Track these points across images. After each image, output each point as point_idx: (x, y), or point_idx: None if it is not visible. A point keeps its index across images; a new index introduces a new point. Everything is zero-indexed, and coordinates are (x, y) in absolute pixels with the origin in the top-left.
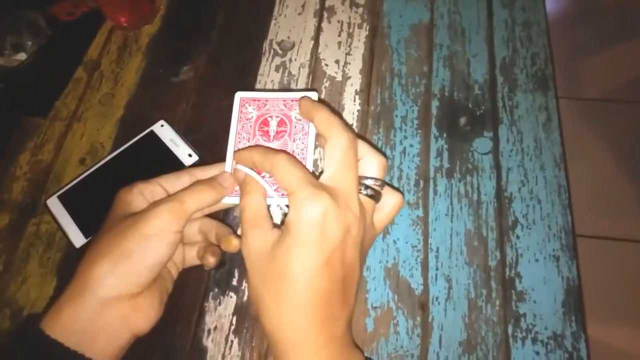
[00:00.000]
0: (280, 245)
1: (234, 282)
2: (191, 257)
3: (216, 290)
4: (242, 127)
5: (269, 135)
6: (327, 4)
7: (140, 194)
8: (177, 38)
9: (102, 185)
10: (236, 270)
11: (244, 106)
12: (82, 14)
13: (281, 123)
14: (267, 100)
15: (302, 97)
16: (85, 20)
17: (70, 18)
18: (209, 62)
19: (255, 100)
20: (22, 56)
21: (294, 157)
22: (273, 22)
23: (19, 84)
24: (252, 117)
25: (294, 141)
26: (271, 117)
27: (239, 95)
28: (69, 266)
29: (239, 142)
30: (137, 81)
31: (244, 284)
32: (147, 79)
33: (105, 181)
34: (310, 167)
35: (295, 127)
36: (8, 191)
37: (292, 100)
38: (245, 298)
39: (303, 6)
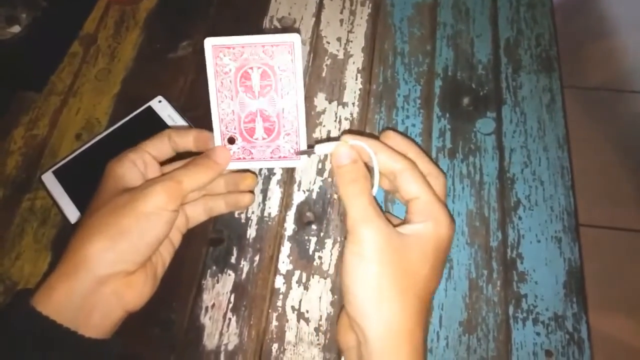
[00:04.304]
0: (410, 247)
1: (232, 260)
2: (196, 215)
3: (214, 268)
4: (222, 83)
5: (254, 92)
6: None
7: (133, 166)
8: (175, 13)
9: (98, 161)
10: (234, 248)
11: (218, 57)
12: None
13: (264, 75)
14: (243, 47)
15: (384, 135)
16: None
17: None
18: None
19: (229, 48)
20: (16, 29)
21: None
22: None
23: (13, 58)
24: (230, 71)
25: (282, 97)
26: (252, 68)
27: (209, 43)
28: (64, 242)
29: (222, 101)
30: (134, 57)
31: (242, 262)
32: (145, 55)
33: (102, 157)
34: (304, 126)
35: (281, 80)
36: (2, 166)
37: (272, 46)
38: (243, 276)
39: None
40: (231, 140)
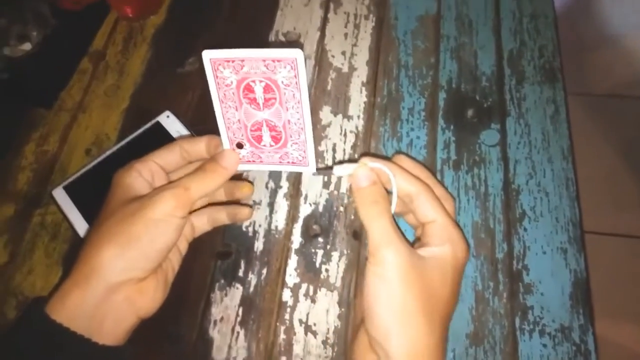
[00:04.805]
0: (430, 269)
1: (240, 274)
2: (201, 225)
3: (222, 281)
4: (225, 95)
5: (258, 103)
6: None
7: (140, 176)
8: (182, 29)
9: (108, 176)
10: (242, 262)
11: (218, 69)
12: (87, 4)
13: (267, 89)
14: (243, 60)
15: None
16: (90, 11)
17: (76, 8)
18: None
19: (229, 61)
20: (27, 46)
21: None
22: (279, 12)
23: (24, 75)
24: (232, 83)
25: (287, 110)
26: (254, 81)
27: (207, 56)
28: (75, 257)
29: (227, 111)
30: (143, 72)
31: (250, 275)
32: (153, 70)
33: (111, 172)
34: (311, 136)
35: (285, 94)
36: (14, 181)
37: (274, 61)
38: (251, 289)
39: None
40: (239, 145)
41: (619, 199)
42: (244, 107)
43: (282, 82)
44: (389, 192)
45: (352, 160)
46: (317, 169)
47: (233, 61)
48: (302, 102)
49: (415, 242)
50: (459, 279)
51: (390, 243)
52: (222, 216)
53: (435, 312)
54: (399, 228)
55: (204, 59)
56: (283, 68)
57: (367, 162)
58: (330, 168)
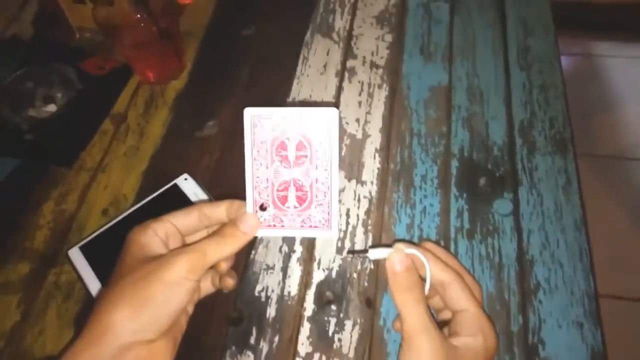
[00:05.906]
0: (462, 358)
1: (252, 341)
2: (206, 287)
3: (233, 348)
4: (258, 152)
5: (289, 162)
6: (348, 65)
7: (156, 235)
8: (202, 94)
9: (124, 238)
10: (254, 328)
11: (257, 126)
12: (111, 69)
13: (300, 146)
14: (282, 118)
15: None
16: (114, 75)
17: (100, 72)
18: (233, 118)
19: (268, 119)
20: (52, 108)
21: None
22: (296, 81)
23: (48, 135)
24: (267, 140)
25: (316, 168)
26: (288, 139)
27: (249, 113)
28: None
29: (257, 169)
30: (163, 135)
31: (261, 343)
32: (172, 133)
33: (127, 234)
34: (337, 197)
35: (317, 151)
36: (31, 239)
37: (310, 119)
38: (262, 358)
39: (325, 66)
40: (262, 207)
41: (631, 260)
42: (274, 165)
43: (316, 139)
44: (421, 278)
45: (386, 245)
46: (351, 251)
47: (272, 118)
48: (331, 161)
49: (441, 326)
50: None
51: (426, 331)
52: (217, 280)
53: None
54: (432, 315)
55: (245, 116)
56: (318, 126)
57: (402, 247)
58: (365, 251)
